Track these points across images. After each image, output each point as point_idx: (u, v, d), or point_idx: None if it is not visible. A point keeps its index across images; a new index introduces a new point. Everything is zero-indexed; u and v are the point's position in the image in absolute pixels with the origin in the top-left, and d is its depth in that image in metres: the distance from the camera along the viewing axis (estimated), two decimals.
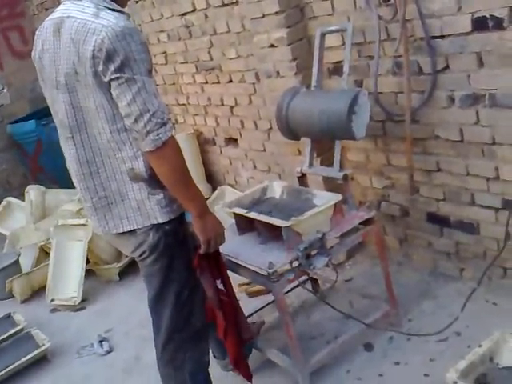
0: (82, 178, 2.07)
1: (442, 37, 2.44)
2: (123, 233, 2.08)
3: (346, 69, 2.68)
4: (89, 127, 1.98)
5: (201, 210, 2.03)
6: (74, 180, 2.12)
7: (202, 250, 2.09)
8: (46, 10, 5.65)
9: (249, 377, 2.43)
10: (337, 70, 2.98)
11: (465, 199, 2.67)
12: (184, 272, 2.12)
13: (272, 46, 3.12)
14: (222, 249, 2.52)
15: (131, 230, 2.06)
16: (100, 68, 1.83)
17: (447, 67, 2.48)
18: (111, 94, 1.86)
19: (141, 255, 2.10)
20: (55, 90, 1.99)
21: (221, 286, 2.26)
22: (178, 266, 2.10)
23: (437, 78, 2.53)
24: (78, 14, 1.89)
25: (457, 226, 2.77)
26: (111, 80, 1.83)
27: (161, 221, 2.02)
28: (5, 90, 6.17)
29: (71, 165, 2.09)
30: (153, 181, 1.99)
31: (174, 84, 4.50)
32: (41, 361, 3.25)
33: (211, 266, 2.22)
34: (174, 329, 2.16)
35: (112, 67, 1.81)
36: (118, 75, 1.81)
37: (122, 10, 1.95)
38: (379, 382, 2.33)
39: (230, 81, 3.85)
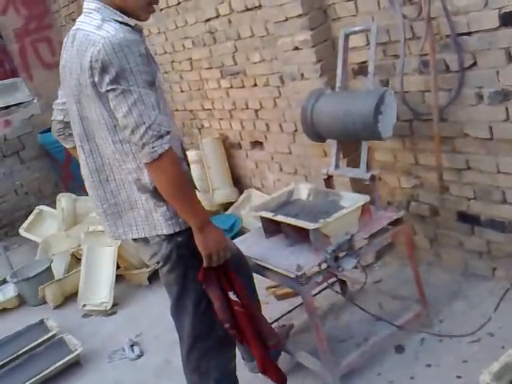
0: (93, 186, 2.10)
1: (468, 33, 2.40)
2: (138, 239, 2.11)
3: (371, 69, 2.66)
4: (95, 137, 2.01)
5: (201, 223, 1.97)
6: (87, 187, 2.15)
7: (204, 264, 2.03)
8: (73, 20, 5.73)
9: (281, 380, 2.36)
10: (362, 70, 2.96)
11: (496, 197, 2.62)
12: (200, 282, 2.12)
13: (296, 48, 3.12)
14: (250, 252, 2.54)
15: (144, 239, 2.08)
16: (96, 79, 1.85)
17: (475, 64, 2.45)
18: (109, 105, 1.88)
19: (157, 264, 2.13)
20: (70, 99, 2.04)
21: (234, 297, 2.15)
22: (193, 277, 2.09)
23: (464, 76, 2.49)
24: (86, 26, 1.92)
25: (488, 225, 2.72)
26: (107, 91, 1.85)
27: (165, 232, 2.03)
28: (35, 101, 6.30)
29: (83, 172, 2.13)
30: (157, 193, 1.99)
31: (199, 90, 4.53)
32: (73, 366, 3.29)
33: (220, 278, 2.11)
34: (197, 337, 2.17)
35: (107, 78, 1.82)
36: (114, 86, 1.82)
37: (130, 22, 1.95)
38: None
39: (255, 84, 3.86)
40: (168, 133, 1.85)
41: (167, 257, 2.07)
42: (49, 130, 6.01)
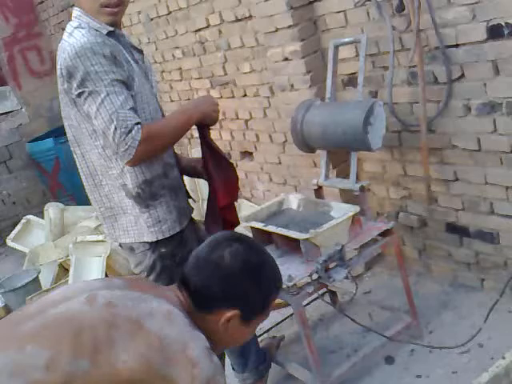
0: (90, 189, 2.12)
1: (456, 45, 2.43)
2: (124, 247, 2.12)
3: (360, 80, 2.67)
4: (81, 143, 2.02)
5: (197, 117, 2.04)
6: (86, 190, 2.16)
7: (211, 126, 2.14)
8: (63, 29, 5.72)
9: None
10: (351, 81, 2.98)
11: (484, 208, 2.64)
12: None
13: (286, 59, 3.14)
14: None
15: (130, 247, 2.09)
16: (65, 86, 1.87)
17: (463, 76, 2.47)
18: (83, 110, 1.89)
19: (141, 273, 2.12)
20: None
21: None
22: None
23: (452, 87, 2.52)
24: (64, 33, 1.96)
25: (476, 236, 2.74)
26: (78, 96, 1.86)
27: (147, 240, 2.03)
28: (23, 110, 6.26)
29: (81, 176, 2.13)
30: (140, 199, 2.00)
31: (189, 99, 4.53)
32: None
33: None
34: None
35: (75, 84, 1.84)
36: (81, 90, 1.84)
37: (102, 29, 1.94)
38: None
39: (245, 95, 3.87)
40: (137, 123, 1.82)
41: (151, 267, 2.07)
42: (37, 139, 6.01)
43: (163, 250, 2.04)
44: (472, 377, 2.14)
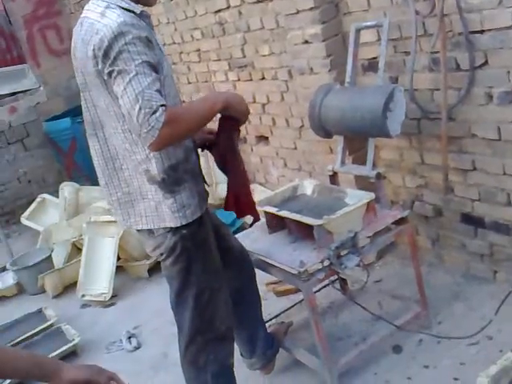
0: (108, 174, 2.08)
1: (481, 32, 2.37)
2: (142, 230, 2.09)
3: (381, 65, 2.63)
4: (105, 126, 2.00)
5: (223, 104, 1.99)
6: (99, 175, 2.13)
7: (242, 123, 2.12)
8: (82, 7, 5.71)
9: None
10: (372, 66, 2.94)
11: (501, 199, 2.59)
12: (203, 275, 2.10)
13: (306, 42, 3.10)
14: (253, 247, 2.52)
15: (149, 230, 2.07)
16: (100, 67, 1.84)
17: (486, 63, 2.41)
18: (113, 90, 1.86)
19: (160, 256, 2.11)
20: (81, 87, 2.03)
21: None
22: (196, 270, 2.08)
23: (475, 75, 2.46)
24: (91, 13, 1.91)
25: (491, 227, 2.69)
26: (108, 76, 1.83)
27: (172, 225, 2.02)
28: (41, 88, 6.28)
29: (96, 160, 2.11)
30: (165, 185, 1.98)
31: (206, 82, 4.51)
32: (70, 356, 3.28)
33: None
34: (196, 331, 2.15)
35: (107, 63, 1.81)
36: (112, 68, 1.81)
37: (135, 9, 1.92)
38: None
39: (263, 78, 3.83)
40: (162, 106, 1.78)
41: (171, 249, 2.05)
42: (54, 118, 6.03)
43: (184, 232, 2.03)
44: (480, 369, 2.10)
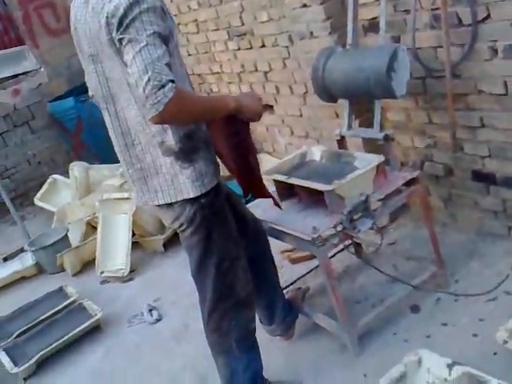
0: (120, 150, 2.11)
1: None
2: (161, 205, 2.10)
3: (382, 25, 2.59)
4: (119, 99, 1.98)
5: (235, 106, 2.02)
6: (116, 151, 2.15)
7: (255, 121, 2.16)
8: None
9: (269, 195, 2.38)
10: (372, 26, 2.89)
11: (511, 155, 2.58)
12: (223, 243, 2.13)
13: (304, 5, 3.04)
14: (265, 216, 2.54)
15: (168, 203, 2.08)
16: (114, 35, 1.82)
17: (488, 17, 2.37)
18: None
19: (179, 227, 2.13)
20: (88, 61, 2.01)
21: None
22: (216, 238, 2.11)
23: (477, 29, 2.42)
24: None
25: (503, 183, 2.68)
26: (119, 42, 1.81)
27: (192, 195, 2.02)
28: (42, 69, 6.23)
29: (111, 135, 2.12)
30: (182, 154, 1.99)
31: (206, 53, 4.46)
32: (94, 330, 3.36)
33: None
34: (218, 298, 2.19)
35: (120, 30, 1.79)
36: (123, 36, 1.79)
37: None
38: (427, 344, 2.31)
39: (263, 45, 3.79)
40: (171, 81, 1.77)
41: (191, 219, 2.07)
42: (58, 98, 6.01)
43: (203, 201, 2.05)
44: (499, 323, 2.15)
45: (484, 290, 2.46)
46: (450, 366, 2.02)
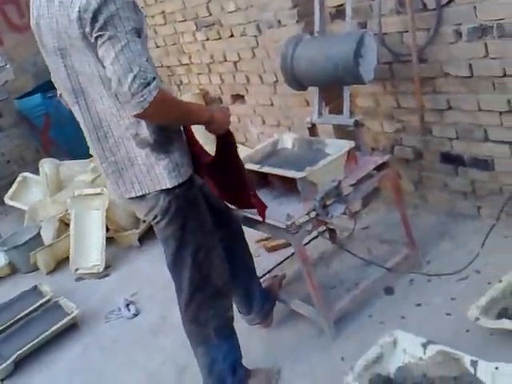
0: (92, 144, 2.09)
1: None
2: (134, 198, 2.09)
3: (348, 11, 2.61)
4: (90, 92, 1.97)
5: (208, 117, 2.07)
6: (89, 144, 2.13)
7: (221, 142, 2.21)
8: None
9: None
10: (339, 13, 2.90)
11: (478, 136, 2.63)
12: (198, 233, 2.14)
13: None
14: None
15: (141, 195, 2.07)
16: (87, 29, 1.80)
17: (452, 0, 2.40)
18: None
19: (154, 219, 2.12)
20: (55, 56, 1.98)
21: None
22: (191, 228, 2.11)
23: (442, 13, 2.46)
24: None
25: (471, 164, 2.74)
26: (96, 39, 1.80)
27: (169, 186, 2.02)
28: (8, 66, 6.12)
29: (83, 129, 2.10)
30: (157, 146, 1.99)
31: (175, 44, 4.43)
32: (71, 328, 3.33)
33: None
34: (195, 288, 2.19)
35: (97, 26, 1.78)
36: (102, 33, 1.78)
37: None
38: (401, 324, 2.35)
39: (232, 35, 3.78)
40: (154, 79, 1.79)
41: (166, 209, 2.06)
42: (25, 95, 5.91)
43: (177, 191, 2.05)
44: (470, 302, 2.20)
45: (455, 269, 2.51)
46: (424, 345, 2.06)
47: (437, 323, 2.32)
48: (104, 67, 1.84)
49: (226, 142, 2.22)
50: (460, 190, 2.88)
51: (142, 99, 1.77)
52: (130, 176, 2.05)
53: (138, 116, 1.84)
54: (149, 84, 1.77)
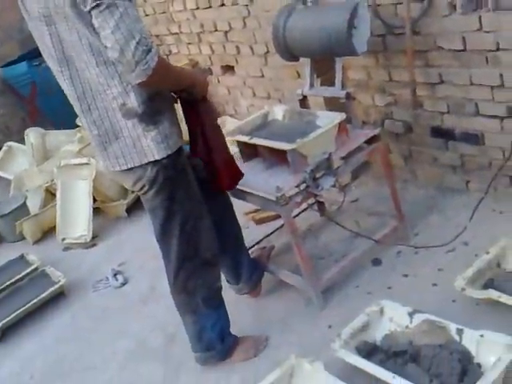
0: (79, 114, 2.07)
1: None
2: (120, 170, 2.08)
3: None
4: (76, 61, 1.93)
5: (191, 81, 2.08)
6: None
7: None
8: None
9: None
10: None
11: (469, 110, 2.63)
12: (186, 203, 2.13)
13: None
14: None
15: (129, 168, 2.06)
16: None
17: None
18: (93, 25, 1.79)
19: (141, 189, 2.10)
20: (39, 22, 1.93)
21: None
22: (179, 198, 2.11)
23: None
24: None
25: (461, 139, 2.75)
26: (92, 9, 1.76)
27: (158, 157, 2.01)
28: None
29: (69, 99, 2.07)
30: (146, 117, 1.97)
31: (164, 12, 4.36)
32: (58, 297, 3.32)
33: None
34: (184, 258, 2.20)
35: None
36: (99, 2, 1.74)
37: None
38: (388, 294, 2.38)
39: (223, 4, 3.72)
40: (153, 42, 1.81)
41: (153, 179, 2.05)
42: (11, 63, 5.79)
43: (165, 161, 2.03)
44: (457, 273, 2.23)
45: (443, 242, 2.54)
46: (410, 314, 2.10)
47: (423, 293, 2.36)
48: (94, 35, 1.80)
49: (205, 106, 2.19)
50: (449, 164, 2.90)
51: (146, 66, 1.77)
52: (114, 150, 2.03)
53: (141, 84, 1.83)
54: (150, 50, 1.77)
